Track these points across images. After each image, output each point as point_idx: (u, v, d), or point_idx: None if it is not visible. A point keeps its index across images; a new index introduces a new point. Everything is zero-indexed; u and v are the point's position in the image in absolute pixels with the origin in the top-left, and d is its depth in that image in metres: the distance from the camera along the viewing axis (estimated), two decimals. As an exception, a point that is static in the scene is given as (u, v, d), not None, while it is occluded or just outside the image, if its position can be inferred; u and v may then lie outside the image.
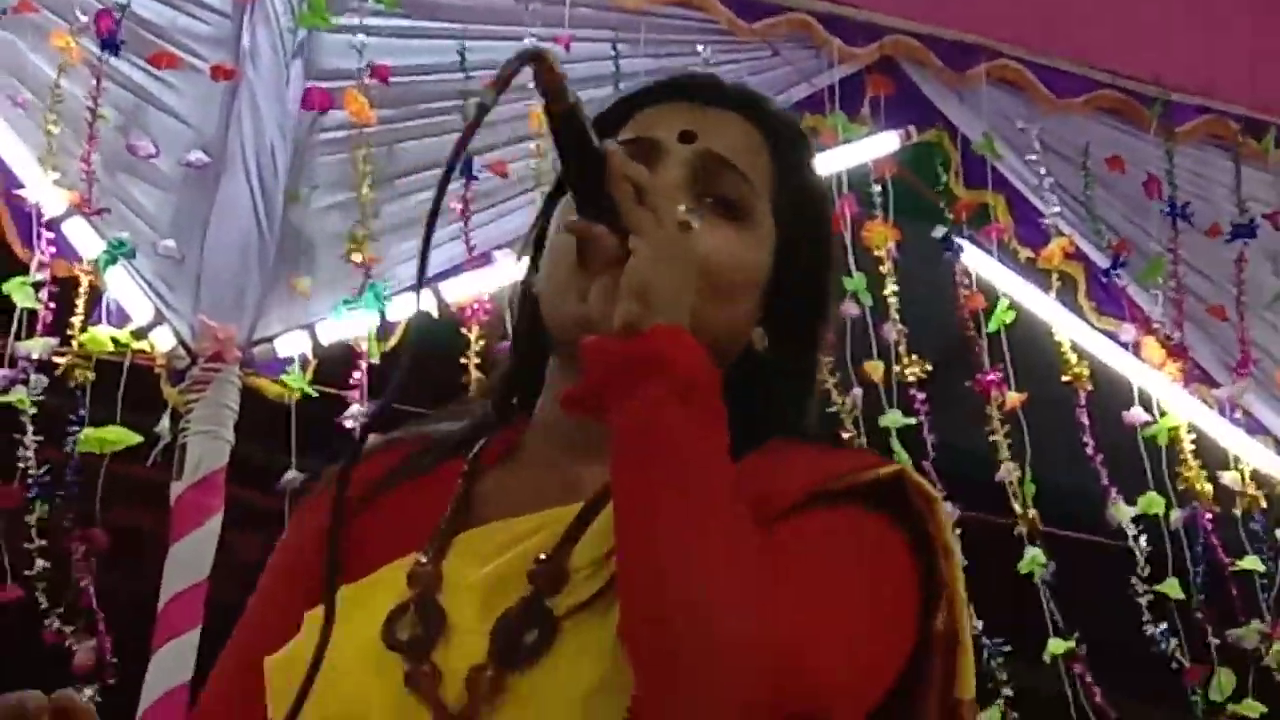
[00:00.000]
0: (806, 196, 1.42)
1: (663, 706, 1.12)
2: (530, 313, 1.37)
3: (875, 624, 1.23)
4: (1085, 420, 4.03)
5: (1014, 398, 3.95)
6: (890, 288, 4.02)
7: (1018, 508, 3.90)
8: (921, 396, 3.93)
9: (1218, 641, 3.91)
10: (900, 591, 1.26)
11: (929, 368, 3.95)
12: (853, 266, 3.87)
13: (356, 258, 3.61)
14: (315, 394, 3.53)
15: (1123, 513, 3.93)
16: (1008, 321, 4.04)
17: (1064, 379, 4.09)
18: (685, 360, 1.17)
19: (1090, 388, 4.06)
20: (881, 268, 4.02)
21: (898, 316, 4.00)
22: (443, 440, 1.41)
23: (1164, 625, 3.88)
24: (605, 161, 1.23)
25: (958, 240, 4.17)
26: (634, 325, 1.17)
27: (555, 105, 1.22)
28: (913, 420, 3.91)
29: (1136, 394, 4.08)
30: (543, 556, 1.23)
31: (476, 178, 3.72)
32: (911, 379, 3.95)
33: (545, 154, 3.71)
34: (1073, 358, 4.11)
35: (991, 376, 4.00)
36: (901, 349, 3.98)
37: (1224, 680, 3.86)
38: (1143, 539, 3.94)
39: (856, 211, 3.99)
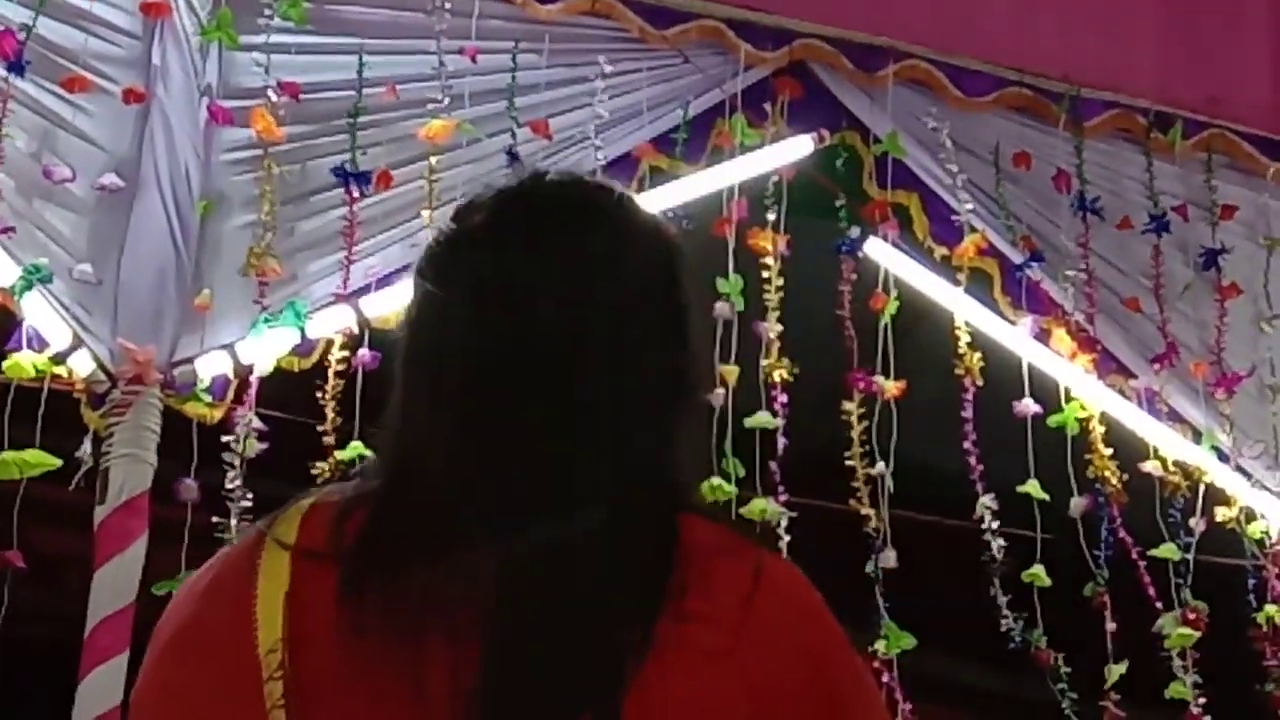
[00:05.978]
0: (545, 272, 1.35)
1: None
2: None
3: None
4: (968, 413, 4.04)
5: (892, 388, 3.97)
6: (775, 288, 4.00)
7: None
8: (784, 399, 3.90)
9: (1114, 628, 3.95)
10: None
11: (796, 371, 3.94)
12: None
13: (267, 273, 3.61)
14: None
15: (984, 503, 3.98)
16: (892, 313, 4.05)
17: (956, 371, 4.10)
18: None
19: (981, 381, 4.07)
20: (764, 272, 4.02)
21: (776, 317, 3.99)
22: None
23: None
24: None
25: (860, 238, 4.17)
26: None
27: None
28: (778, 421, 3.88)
29: (1026, 386, 4.11)
30: None
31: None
32: (779, 379, 3.92)
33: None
34: (967, 350, 4.13)
35: (859, 375, 3.99)
36: (776, 349, 3.96)
37: (1113, 670, 3.90)
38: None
39: (745, 216, 4.01)
